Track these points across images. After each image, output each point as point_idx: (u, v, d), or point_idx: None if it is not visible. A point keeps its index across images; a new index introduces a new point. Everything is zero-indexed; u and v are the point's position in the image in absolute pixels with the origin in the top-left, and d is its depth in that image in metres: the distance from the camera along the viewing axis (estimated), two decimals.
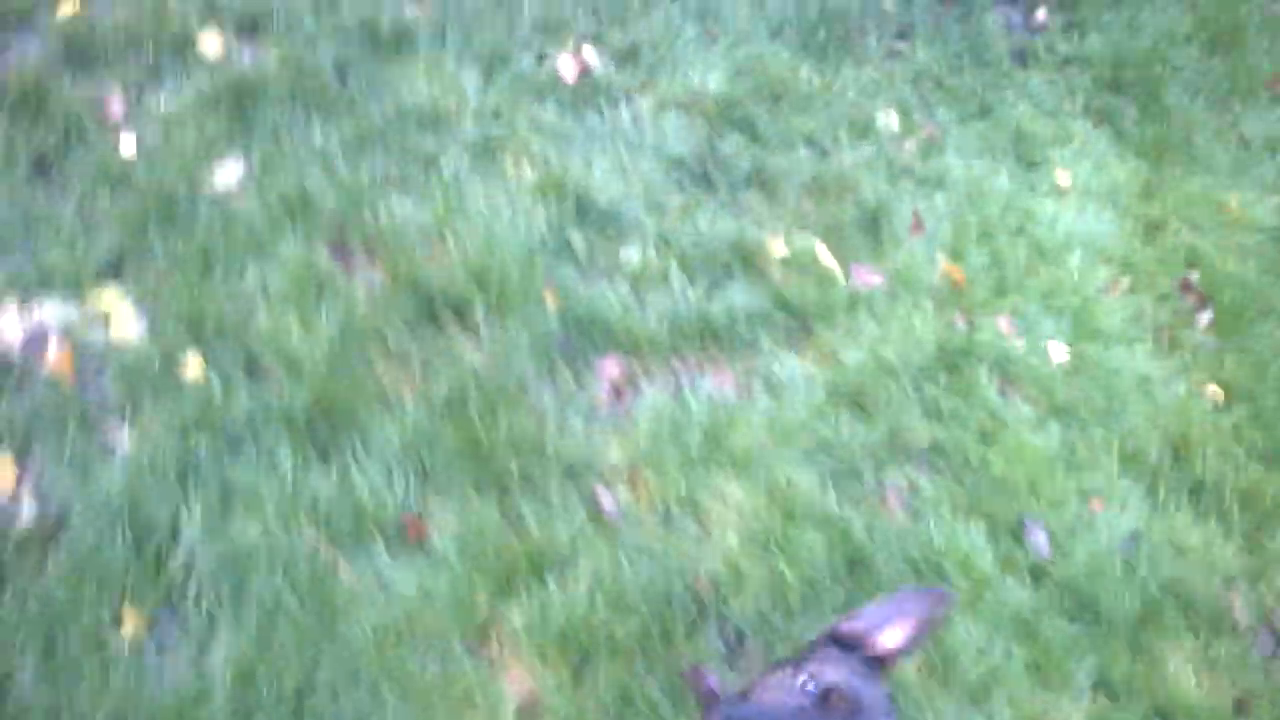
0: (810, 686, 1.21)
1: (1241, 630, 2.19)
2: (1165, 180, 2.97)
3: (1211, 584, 2.22)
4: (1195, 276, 2.73)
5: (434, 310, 2.20)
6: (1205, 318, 2.67)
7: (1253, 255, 2.83)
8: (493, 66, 2.70)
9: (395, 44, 2.68)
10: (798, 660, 1.30)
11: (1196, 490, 2.33)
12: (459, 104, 2.60)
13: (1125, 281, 2.71)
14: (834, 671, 1.24)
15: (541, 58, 2.78)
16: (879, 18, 3.23)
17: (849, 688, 1.21)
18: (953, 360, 2.42)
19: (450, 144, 2.51)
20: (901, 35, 3.23)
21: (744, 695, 1.32)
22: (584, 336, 2.26)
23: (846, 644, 1.31)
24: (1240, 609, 2.20)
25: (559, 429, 2.10)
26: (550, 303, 2.27)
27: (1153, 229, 2.85)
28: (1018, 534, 2.19)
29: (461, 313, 2.21)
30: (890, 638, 1.32)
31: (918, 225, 2.65)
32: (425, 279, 2.24)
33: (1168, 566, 2.21)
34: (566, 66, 2.76)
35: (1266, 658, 2.15)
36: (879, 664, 1.31)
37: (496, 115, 2.61)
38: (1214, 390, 2.54)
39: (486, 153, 2.52)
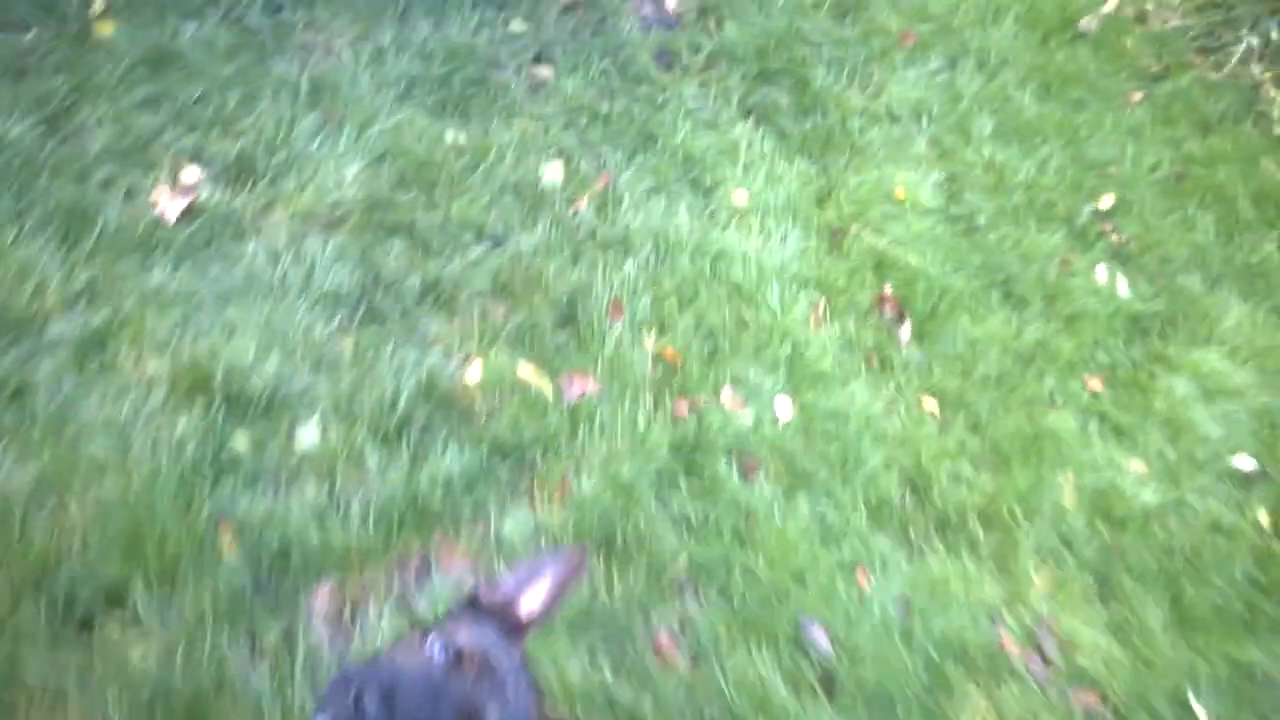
0: (439, 649, 1.14)
1: (1014, 661, 2.17)
2: (834, 178, 2.85)
3: (980, 624, 2.18)
4: (888, 288, 2.64)
5: (76, 606, 1.69)
6: (906, 329, 2.60)
7: (929, 244, 2.78)
8: (70, 227, 2.10)
9: None
10: (431, 626, 1.23)
11: (942, 525, 2.28)
12: (38, 295, 2.00)
13: (823, 305, 2.58)
14: (467, 634, 1.18)
15: (130, 197, 2.20)
16: (510, 44, 2.84)
17: (481, 650, 1.16)
18: (689, 457, 2.20)
19: (41, 356, 1.93)
20: (539, 59, 2.86)
21: (371, 662, 1.24)
22: (281, 573, 1.83)
23: (486, 611, 1.26)
24: (1009, 640, 2.18)
25: (282, 714, 1.69)
26: (228, 544, 1.81)
27: (836, 239, 2.72)
28: (799, 640, 2.03)
29: (115, 598, 1.72)
30: (529, 602, 1.26)
31: (616, 308, 2.37)
32: (53, 565, 1.71)
33: (938, 621, 2.15)
34: (166, 202, 2.20)
35: (1041, 681, 2.15)
36: (518, 630, 1.25)
37: (93, 297, 2.04)
38: (929, 404, 2.49)
39: (93, 355, 1.96)
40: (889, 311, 2.63)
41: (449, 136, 2.55)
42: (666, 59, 3.03)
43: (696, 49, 3.06)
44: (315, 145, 2.40)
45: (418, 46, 2.69)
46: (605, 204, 2.57)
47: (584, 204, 2.56)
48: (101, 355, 1.97)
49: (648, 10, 3.16)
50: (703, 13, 3.18)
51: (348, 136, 2.44)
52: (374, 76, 2.59)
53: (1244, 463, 2.59)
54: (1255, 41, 3.66)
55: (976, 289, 2.73)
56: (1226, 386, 2.75)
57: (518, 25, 2.90)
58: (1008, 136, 3.13)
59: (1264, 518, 2.49)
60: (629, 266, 2.46)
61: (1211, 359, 2.77)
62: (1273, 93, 3.62)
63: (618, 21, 3.04)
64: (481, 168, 2.51)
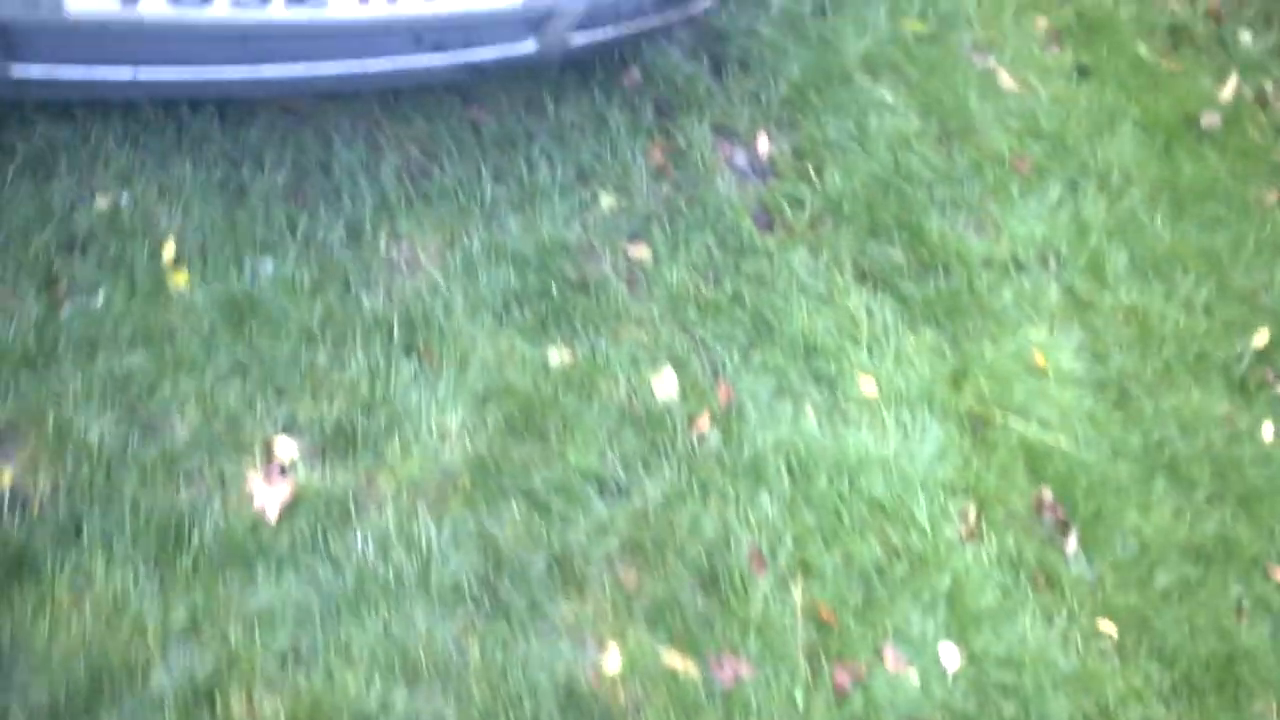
0: None
1: None
2: (967, 353, 2.55)
3: None
4: (1047, 491, 2.34)
5: None
6: (1071, 539, 2.30)
7: (1080, 421, 2.48)
8: (164, 544, 1.87)
9: (13, 564, 1.79)
10: None
11: None
12: (137, 635, 1.77)
13: (976, 517, 2.29)
14: None
15: (223, 486, 1.96)
16: (603, 227, 2.57)
17: None
18: None
19: (147, 716, 1.70)
20: (635, 238, 2.58)
21: None
22: None
23: None
24: None
25: None
26: None
27: (980, 430, 2.43)
28: None
29: None
30: None
31: (758, 558, 2.10)
32: None
33: None
34: (263, 491, 1.96)
35: None
36: None
37: (196, 630, 1.80)
38: (1107, 627, 2.20)
39: (203, 707, 1.73)
40: (1049, 517, 2.33)
41: (553, 360, 2.28)
42: (766, 219, 2.73)
43: (799, 204, 2.75)
44: (414, 395, 2.14)
45: (510, 250, 2.42)
46: (730, 423, 2.30)
47: (706, 424, 2.28)
48: (212, 706, 1.74)
49: (740, 160, 2.86)
50: (799, 156, 2.87)
51: (447, 380, 2.18)
52: (467, 296, 2.32)
53: None
54: None
55: (1140, 475, 2.43)
56: None
57: (608, 200, 2.62)
58: (1145, 272, 2.81)
59: None
60: (765, 501, 2.19)
61: None
62: None
63: (711, 180, 2.74)
64: (592, 395, 2.25)
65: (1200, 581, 2.31)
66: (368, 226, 2.38)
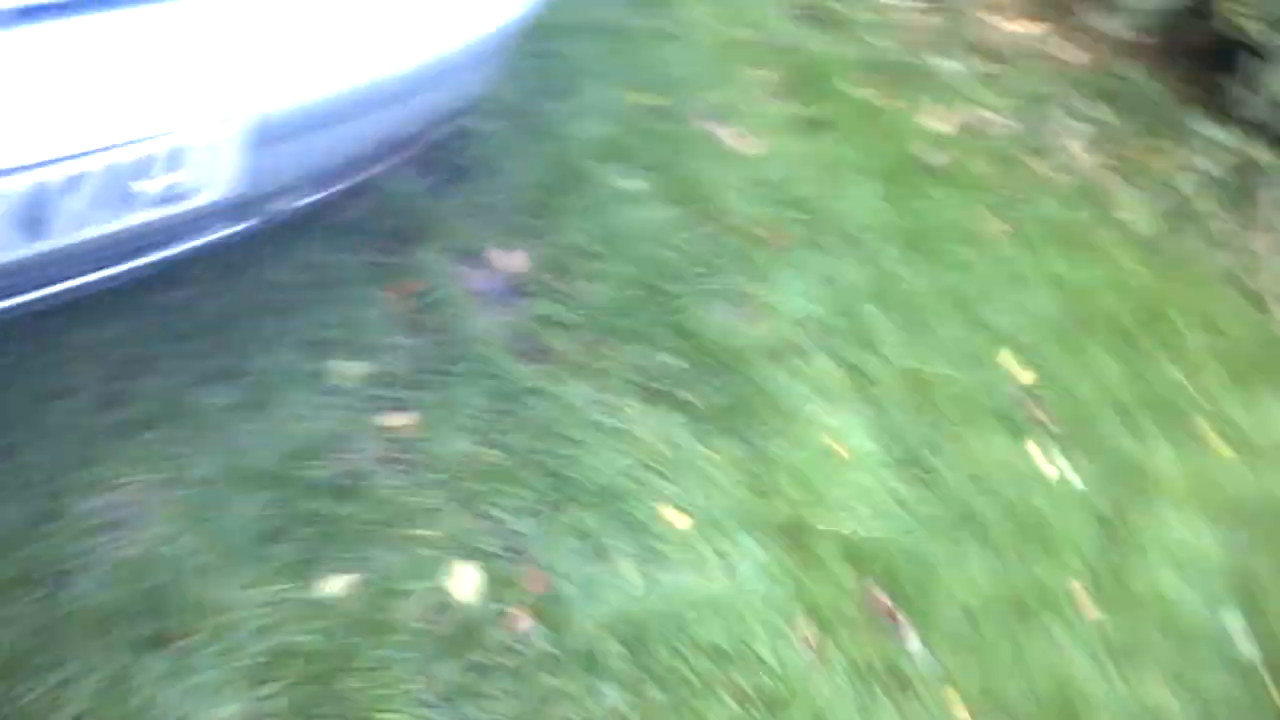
0: None
1: None
2: (767, 457, 2.39)
3: None
4: (874, 589, 2.22)
5: None
6: (910, 633, 2.20)
7: (891, 505, 2.39)
8: None
9: None
10: None
11: None
12: None
13: (815, 635, 2.14)
14: None
15: None
16: (356, 405, 2.20)
17: None
18: None
19: None
20: (395, 408, 2.23)
21: None
22: None
23: None
24: None
25: None
26: None
27: (795, 539, 2.28)
28: None
29: None
30: None
31: None
32: None
33: None
34: None
35: None
36: None
37: None
38: (957, 705, 2.12)
39: None
40: (884, 614, 2.22)
41: (333, 595, 1.89)
42: (533, 351, 2.44)
43: (562, 326, 2.48)
44: (175, 698, 1.67)
45: (251, 469, 1.99)
46: (547, 608, 2.00)
47: (525, 621, 1.97)
48: None
49: (489, 286, 2.55)
50: (552, 270, 2.60)
51: (211, 664, 1.73)
52: (213, 545, 1.87)
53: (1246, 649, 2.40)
54: (1078, 126, 3.47)
55: (952, 545, 2.36)
56: (1194, 555, 2.55)
57: (354, 370, 2.24)
58: (910, 331, 2.76)
59: None
60: (610, 693, 1.91)
61: (1170, 524, 2.56)
62: (1101, 174, 3.45)
63: (463, 318, 2.42)
64: (389, 628, 1.88)
65: (1024, 633, 2.27)
66: (67, 487, 1.88)
